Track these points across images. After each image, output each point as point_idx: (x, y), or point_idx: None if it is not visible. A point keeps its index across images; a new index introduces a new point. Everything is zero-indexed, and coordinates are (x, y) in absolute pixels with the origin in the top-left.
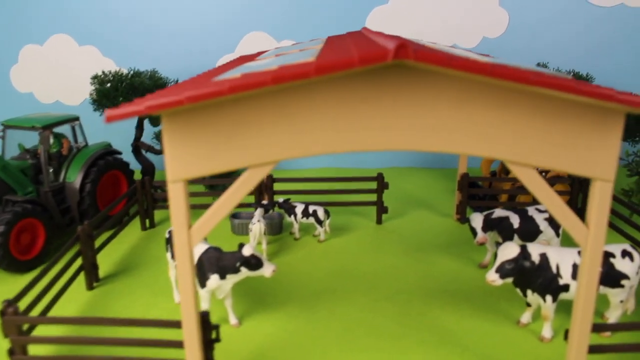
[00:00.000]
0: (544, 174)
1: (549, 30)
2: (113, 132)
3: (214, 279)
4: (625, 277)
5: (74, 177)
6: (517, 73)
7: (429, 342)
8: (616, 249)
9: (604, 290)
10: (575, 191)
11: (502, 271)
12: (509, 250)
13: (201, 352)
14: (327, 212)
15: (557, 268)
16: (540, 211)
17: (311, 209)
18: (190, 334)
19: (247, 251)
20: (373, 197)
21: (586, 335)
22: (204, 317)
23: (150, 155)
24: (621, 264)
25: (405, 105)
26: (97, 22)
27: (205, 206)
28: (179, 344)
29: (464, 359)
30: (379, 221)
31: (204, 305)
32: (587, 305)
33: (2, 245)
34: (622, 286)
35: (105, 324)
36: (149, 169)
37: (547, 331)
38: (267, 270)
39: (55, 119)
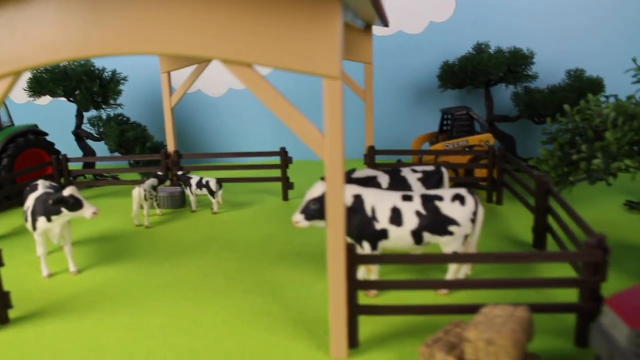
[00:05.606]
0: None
1: None
2: (54, 121)
3: (41, 221)
4: (454, 222)
5: None
6: None
7: (248, 291)
8: (446, 192)
9: (432, 238)
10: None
11: (307, 212)
12: (315, 189)
13: None
14: (219, 183)
15: (373, 211)
16: (415, 171)
17: (204, 180)
18: None
19: (66, 191)
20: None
21: (340, 270)
22: None
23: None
24: (448, 208)
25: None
26: None
27: None
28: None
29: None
30: (285, 198)
31: (40, 250)
32: (337, 235)
33: None
34: (451, 233)
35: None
36: (90, 154)
37: None
38: (87, 211)
39: None
